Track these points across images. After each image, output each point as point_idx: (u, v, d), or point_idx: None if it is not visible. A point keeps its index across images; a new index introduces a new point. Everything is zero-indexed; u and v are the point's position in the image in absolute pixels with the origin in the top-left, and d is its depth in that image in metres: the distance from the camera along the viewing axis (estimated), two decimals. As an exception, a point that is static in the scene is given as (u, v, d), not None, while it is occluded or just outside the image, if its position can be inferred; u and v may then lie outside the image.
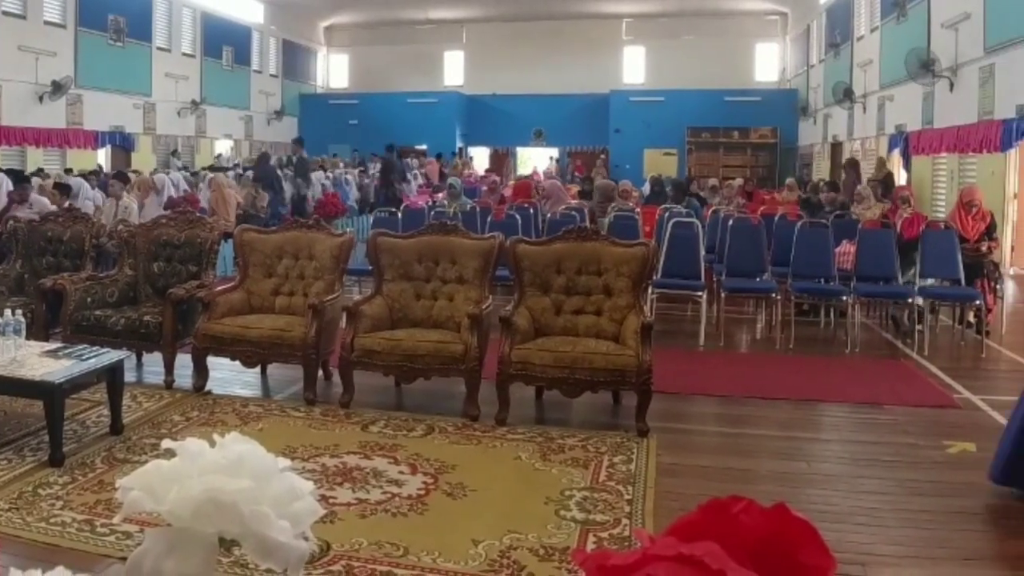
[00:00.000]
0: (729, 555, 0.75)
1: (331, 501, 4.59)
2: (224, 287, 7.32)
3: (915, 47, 17.98)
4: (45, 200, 10.86)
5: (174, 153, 25.23)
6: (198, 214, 8.36)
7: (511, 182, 20.90)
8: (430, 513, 4.56)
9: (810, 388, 7.29)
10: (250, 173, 17.68)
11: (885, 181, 14.00)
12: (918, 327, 8.86)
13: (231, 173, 18.73)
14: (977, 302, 8.73)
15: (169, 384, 6.82)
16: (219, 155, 27.43)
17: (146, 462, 1.28)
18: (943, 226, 9.24)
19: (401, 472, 5.12)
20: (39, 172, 16.22)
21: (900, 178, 20.21)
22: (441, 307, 6.80)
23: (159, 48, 25.28)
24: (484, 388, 6.23)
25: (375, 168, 23.69)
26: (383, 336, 6.45)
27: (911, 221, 9.74)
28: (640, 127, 30.86)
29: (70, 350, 5.71)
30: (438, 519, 4.47)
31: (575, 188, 18.36)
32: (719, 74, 31.31)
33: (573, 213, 11.51)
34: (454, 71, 35.85)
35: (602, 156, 29.40)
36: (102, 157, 22.42)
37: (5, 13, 18.94)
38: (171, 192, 14.93)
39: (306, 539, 1.26)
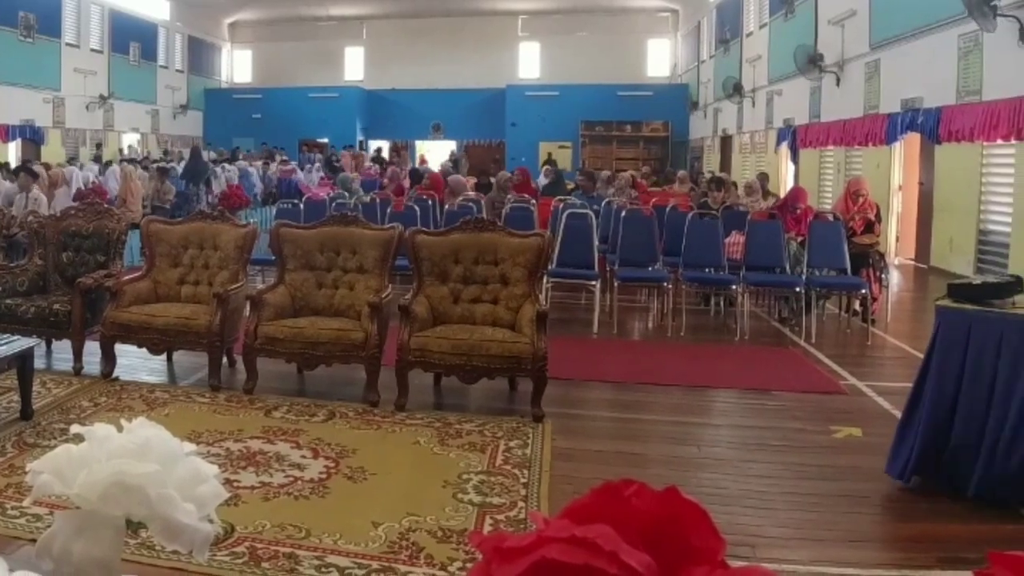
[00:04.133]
0: (621, 537, 0.77)
1: (235, 484, 4.59)
2: (131, 276, 7.32)
3: (803, 43, 18.39)
4: None
5: (130, 148, 25.47)
6: (106, 205, 8.30)
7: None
8: (331, 496, 4.59)
9: (701, 374, 7.43)
10: (156, 166, 17.54)
11: (718, 179, 13.82)
12: (818, 314, 9.02)
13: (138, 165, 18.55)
14: (863, 291, 8.96)
15: (78, 371, 6.80)
16: (130, 145, 27.67)
17: (56, 447, 1.30)
18: (831, 218, 9.48)
19: (303, 456, 5.14)
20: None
21: (787, 171, 20.72)
22: (342, 296, 6.82)
23: (68, 44, 25.18)
24: (384, 375, 6.25)
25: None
26: (285, 324, 6.46)
27: (798, 219, 9.94)
28: (536, 121, 31.10)
29: (-20, 338, 5.67)
30: (339, 502, 4.51)
31: (472, 180, 18.40)
32: (612, 69, 31.66)
33: (470, 205, 11.53)
34: (354, 66, 35.71)
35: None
36: (13, 150, 22.16)
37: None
38: (79, 184, 14.79)
39: (211, 521, 1.28)
